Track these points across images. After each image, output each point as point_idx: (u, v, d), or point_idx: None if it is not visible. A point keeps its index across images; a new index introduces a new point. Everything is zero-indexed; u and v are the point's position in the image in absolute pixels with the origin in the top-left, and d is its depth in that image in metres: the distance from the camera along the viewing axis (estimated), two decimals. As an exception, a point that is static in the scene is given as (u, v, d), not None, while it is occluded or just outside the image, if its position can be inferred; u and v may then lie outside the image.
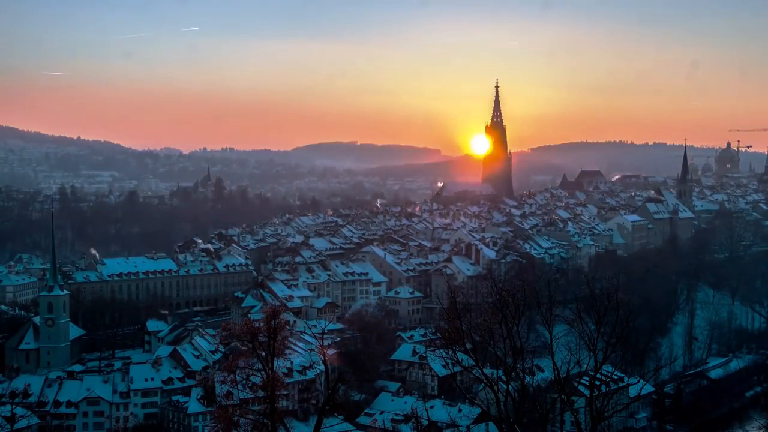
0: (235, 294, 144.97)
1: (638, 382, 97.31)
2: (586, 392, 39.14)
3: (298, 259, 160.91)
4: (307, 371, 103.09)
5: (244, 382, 47.01)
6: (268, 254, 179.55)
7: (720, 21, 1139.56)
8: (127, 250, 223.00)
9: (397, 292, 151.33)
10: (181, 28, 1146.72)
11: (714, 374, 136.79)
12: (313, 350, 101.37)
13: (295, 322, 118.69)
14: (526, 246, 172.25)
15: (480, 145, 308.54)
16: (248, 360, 47.07)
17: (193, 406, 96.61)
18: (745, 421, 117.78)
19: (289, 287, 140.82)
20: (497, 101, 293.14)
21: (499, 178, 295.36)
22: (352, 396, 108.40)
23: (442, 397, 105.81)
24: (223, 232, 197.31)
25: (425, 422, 66.81)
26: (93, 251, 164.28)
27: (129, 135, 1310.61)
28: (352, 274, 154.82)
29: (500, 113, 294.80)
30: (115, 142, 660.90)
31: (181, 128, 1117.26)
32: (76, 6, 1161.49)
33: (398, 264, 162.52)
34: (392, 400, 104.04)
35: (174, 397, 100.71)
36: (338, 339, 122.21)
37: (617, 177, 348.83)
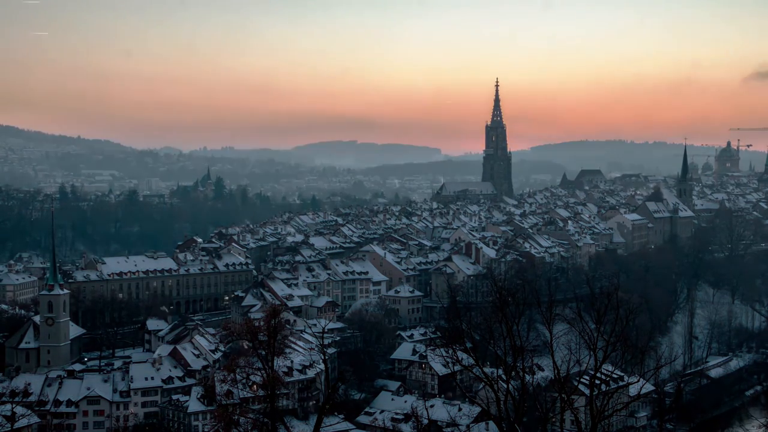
0: (235, 293, 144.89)
1: (638, 381, 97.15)
2: (586, 391, 39.18)
3: (298, 258, 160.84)
4: (307, 370, 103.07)
5: (244, 381, 47.13)
6: (268, 253, 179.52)
7: (720, 20, 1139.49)
8: (127, 249, 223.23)
9: (397, 291, 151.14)
10: (181, 27, 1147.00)
11: (714, 373, 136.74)
12: (313, 349, 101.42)
13: (295, 321, 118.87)
14: (526, 245, 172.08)
15: (479, 144, 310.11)
16: (248, 359, 47.21)
17: (194, 405, 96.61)
18: (745, 419, 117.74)
19: (289, 286, 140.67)
20: (497, 100, 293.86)
21: (499, 176, 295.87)
22: (352, 395, 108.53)
23: (442, 396, 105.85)
24: (223, 231, 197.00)
25: (425, 421, 66.78)
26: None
27: (129, 134, 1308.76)
28: (352, 273, 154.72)
29: (500, 112, 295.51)
30: (115, 141, 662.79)
31: (181, 127, 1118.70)
32: (76, 5, 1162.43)
33: (398, 263, 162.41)
34: (392, 399, 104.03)
35: (174, 396, 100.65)
36: (338, 338, 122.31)
37: (617, 176, 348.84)
